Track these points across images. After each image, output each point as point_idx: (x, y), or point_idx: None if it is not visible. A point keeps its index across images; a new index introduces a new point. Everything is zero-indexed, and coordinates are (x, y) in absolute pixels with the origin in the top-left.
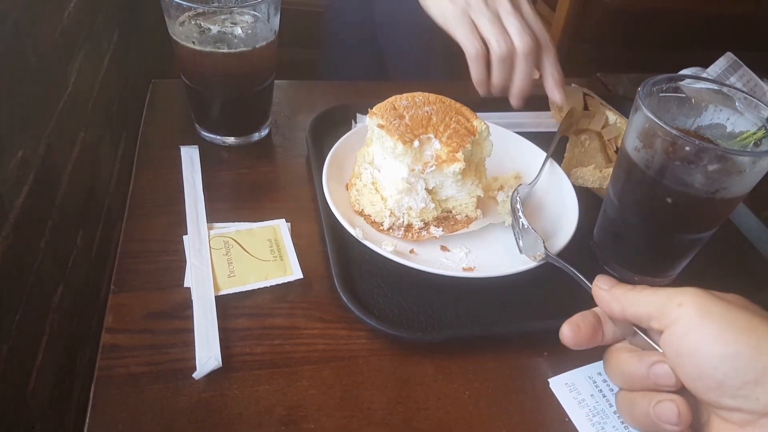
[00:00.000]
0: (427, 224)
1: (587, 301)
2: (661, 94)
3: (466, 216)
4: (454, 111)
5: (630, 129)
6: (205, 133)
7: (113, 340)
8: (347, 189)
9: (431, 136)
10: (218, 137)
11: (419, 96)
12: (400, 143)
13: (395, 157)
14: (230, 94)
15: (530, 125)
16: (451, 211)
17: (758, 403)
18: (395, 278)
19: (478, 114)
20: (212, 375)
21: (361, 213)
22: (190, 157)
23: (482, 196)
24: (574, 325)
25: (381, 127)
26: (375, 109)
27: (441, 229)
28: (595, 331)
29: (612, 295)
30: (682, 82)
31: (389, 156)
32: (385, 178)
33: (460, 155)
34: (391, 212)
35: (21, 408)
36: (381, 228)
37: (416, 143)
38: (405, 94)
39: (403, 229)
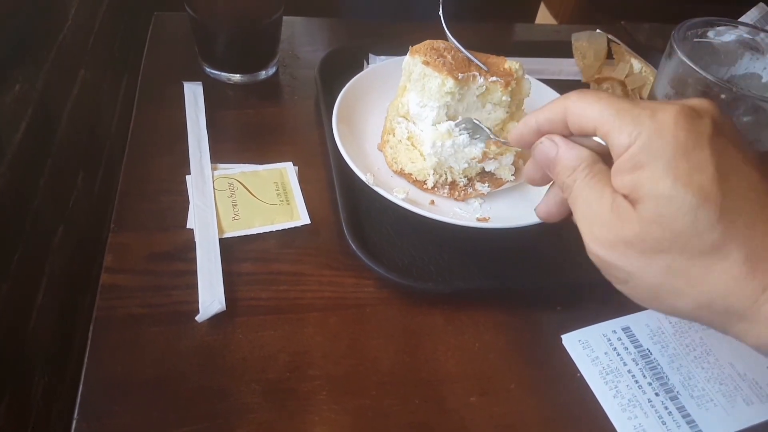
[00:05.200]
0: (471, 180)
1: None
2: (695, 40)
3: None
4: (483, 57)
5: (661, 75)
6: (209, 70)
7: (113, 280)
8: (380, 149)
9: (476, 74)
10: (223, 74)
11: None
12: (450, 78)
13: (441, 97)
14: (236, 27)
15: (551, 72)
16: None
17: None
18: (406, 227)
19: None
20: (216, 319)
21: (400, 172)
22: (193, 94)
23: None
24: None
25: (426, 63)
26: (415, 48)
27: (487, 184)
28: None
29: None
30: (717, 28)
31: (432, 100)
32: (423, 131)
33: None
34: (434, 170)
35: (21, 348)
36: (425, 187)
37: (460, 76)
38: (439, 40)
39: (447, 187)
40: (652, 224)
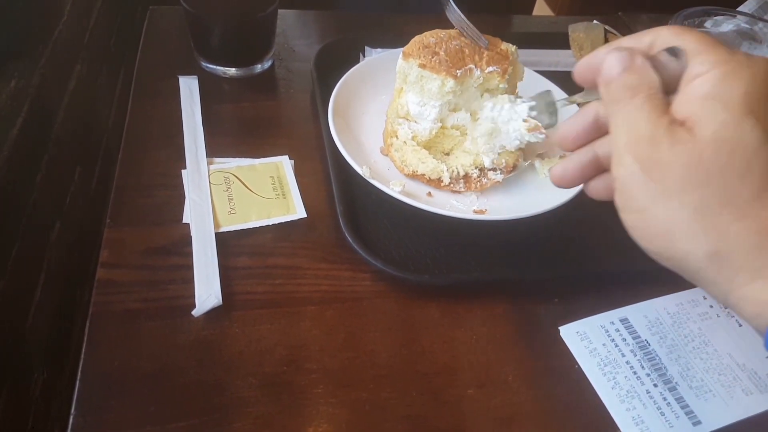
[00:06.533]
0: (482, 171)
1: (601, 247)
2: None
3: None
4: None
5: None
6: (205, 63)
7: (109, 276)
8: (384, 153)
9: (472, 66)
10: (219, 68)
11: (441, 32)
12: (450, 79)
13: (442, 96)
14: (231, 20)
15: (548, 63)
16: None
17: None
18: (402, 220)
19: None
20: (212, 313)
21: (413, 175)
22: (188, 88)
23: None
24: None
25: (423, 66)
26: (406, 50)
27: (499, 172)
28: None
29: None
30: (715, 17)
31: (433, 99)
32: (426, 128)
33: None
34: (447, 166)
35: (19, 344)
36: (442, 185)
37: (458, 73)
38: (426, 32)
39: (462, 181)
40: (708, 145)
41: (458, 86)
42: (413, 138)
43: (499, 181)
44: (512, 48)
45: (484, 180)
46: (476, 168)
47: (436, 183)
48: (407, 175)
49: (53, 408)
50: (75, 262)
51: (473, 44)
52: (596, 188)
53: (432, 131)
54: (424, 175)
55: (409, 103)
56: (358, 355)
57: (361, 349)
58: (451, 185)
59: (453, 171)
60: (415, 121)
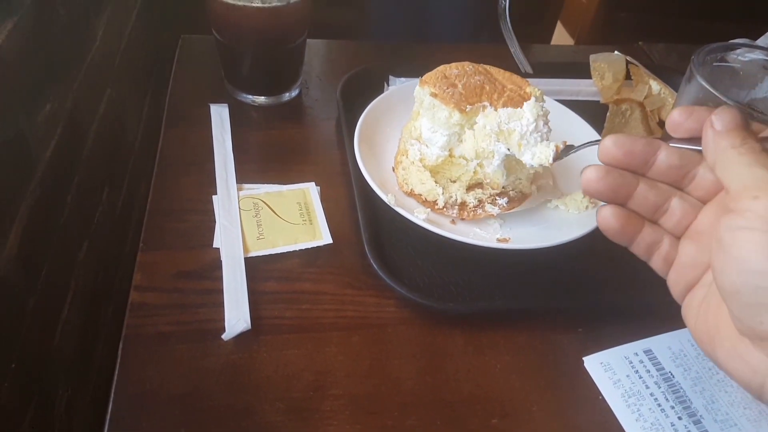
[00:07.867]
0: (481, 202)
1: (624, 278)
2: (714, 64)
3: (520, 192)
4: (505, 79)
5: (681, 99)
6: (235, 92)
7: (142, 299)
8: (393, 171)
9: (486, 104)
10: (248, 96)
11: (468, 65)
12: (456, 112)
13: (449, 128)
14: (262, 51)
15: (570, 93)
16: (505, 188)
17: (761, 326)
18: (427, 247)
19: None
20: (241, 337)
21: (410, 193)
22: (219, 116)
23: (540, 170)
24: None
25: (434, 96)
26: (425, 78)
27: (497, 207)
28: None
29: (716, 143)
30: (737, 51)
31: (441, 128)
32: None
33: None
34: (444, 188)
35: (46, 362)
36: (436, 207)
37: (468, 107)
38: (454, 63)
39: (457, 207)
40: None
41: (465, 120)
42: (421, 160)
43: (493, 215)
44: (537, 92)
45: (479, 211)
46: (474, 197)
47: (431, 205)
48: (405, 193)
49: (75, 425)
50: (100, 281)
51: (495, 82)
52: (639, 247)
53: (438, 158)
54: (420, 195)
55: (422, 127)
56: (383, 381)
57: (386, 376)
58: (445, 210)
59: (450, 197)
60: (426, 145)
